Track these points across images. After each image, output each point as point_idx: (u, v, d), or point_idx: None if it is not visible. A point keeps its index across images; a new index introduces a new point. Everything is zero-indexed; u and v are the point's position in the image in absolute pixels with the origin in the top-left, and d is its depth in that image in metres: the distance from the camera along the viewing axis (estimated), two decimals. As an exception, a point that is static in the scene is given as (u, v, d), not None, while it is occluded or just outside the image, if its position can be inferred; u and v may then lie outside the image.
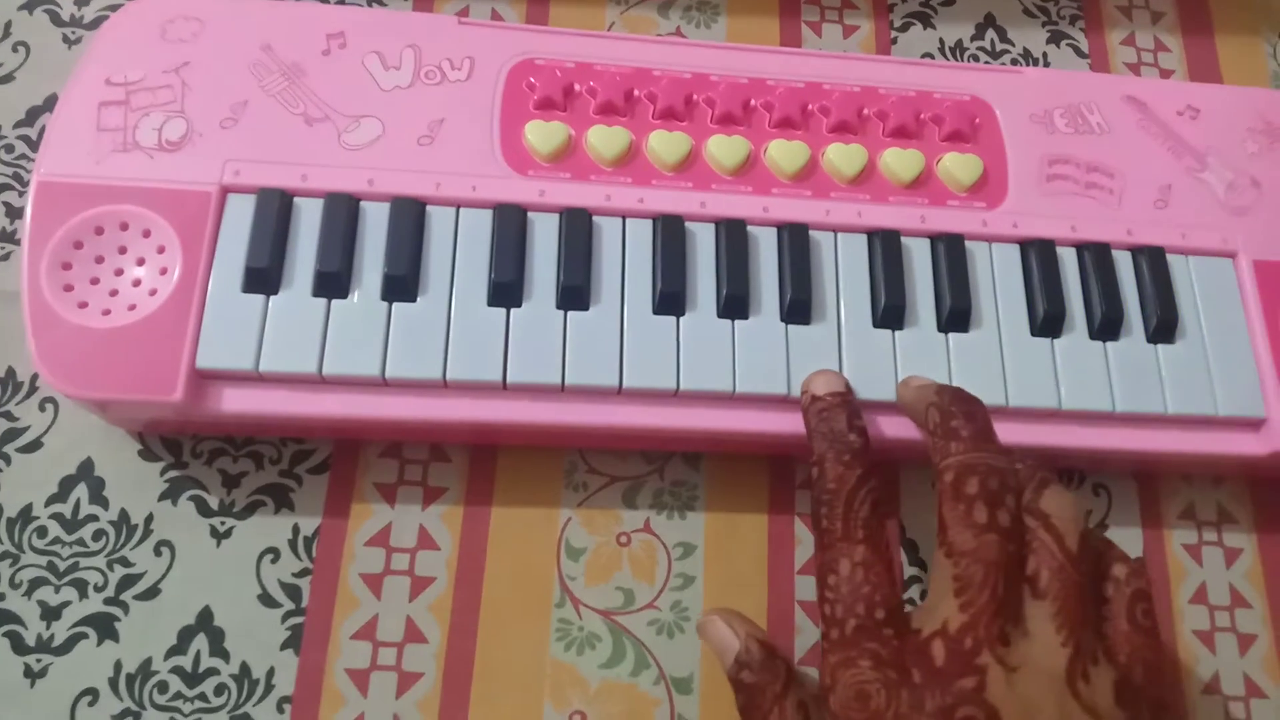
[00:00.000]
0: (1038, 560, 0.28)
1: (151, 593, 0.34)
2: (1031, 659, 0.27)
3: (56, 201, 0.33)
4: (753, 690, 0.29)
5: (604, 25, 0.44)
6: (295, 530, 0.35)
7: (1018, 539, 0.28)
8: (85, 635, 0.33)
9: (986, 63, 0.46)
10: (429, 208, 0.35)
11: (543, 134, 0.36)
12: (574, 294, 0.34)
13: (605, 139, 0.36)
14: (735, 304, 0.35)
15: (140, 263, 0.33)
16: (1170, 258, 0.38)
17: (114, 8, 0.41)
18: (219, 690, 0.33)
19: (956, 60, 0.46)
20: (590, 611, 0.35)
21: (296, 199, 0.35)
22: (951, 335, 0.36)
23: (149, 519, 0.35)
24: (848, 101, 0.38)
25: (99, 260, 0.33)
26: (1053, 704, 0.26)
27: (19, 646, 0.33)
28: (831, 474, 0.30)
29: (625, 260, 0.35)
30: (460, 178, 0.35)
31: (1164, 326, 0.37)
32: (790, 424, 0.34)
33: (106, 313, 0.32)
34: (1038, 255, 0.37)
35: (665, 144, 0.37)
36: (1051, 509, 0.29)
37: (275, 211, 0.34)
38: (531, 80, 0.37)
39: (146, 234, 0.33)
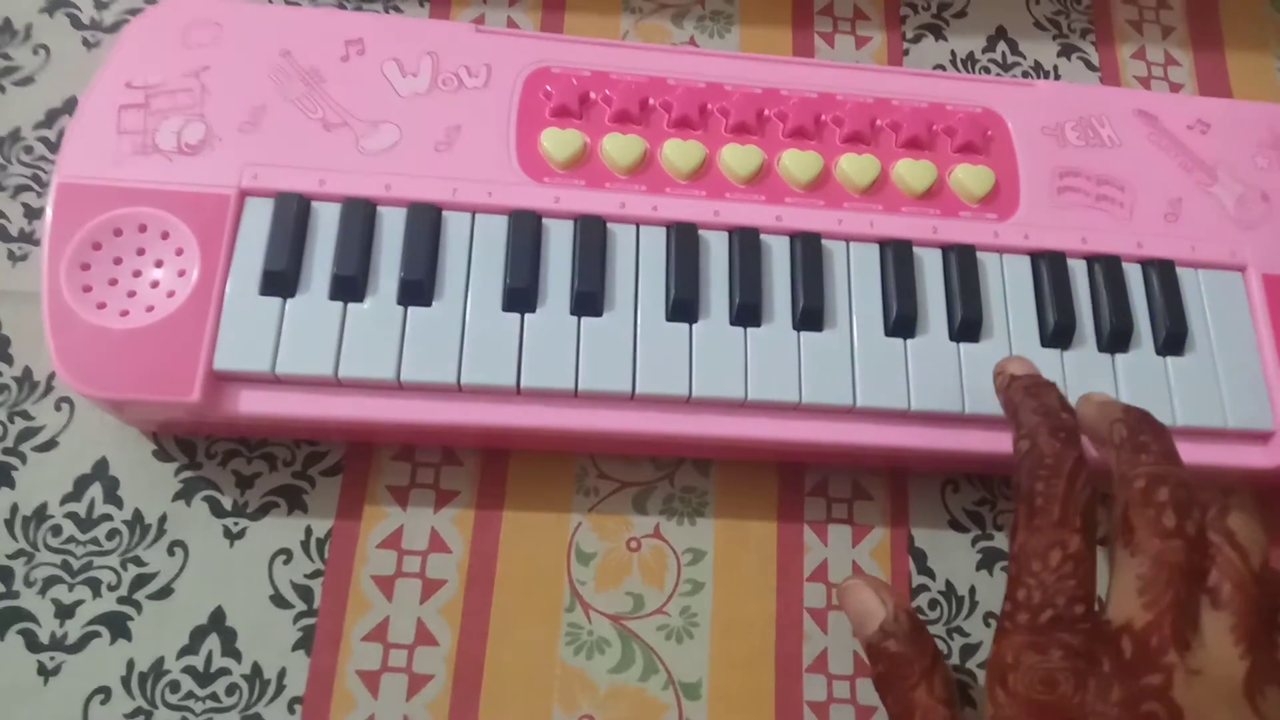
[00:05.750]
0: (1220, 573, 0.28)
1: (164, 592, 0.34)
2: (1210, 666, 0.27)
3: (76, 203, 0.34)
4: (898, 661, 0.30)
5: (619, 34, 0.44)
6: (308, 532, 0.35)
7: (1200, 550, 0.28)
8: (98, 634, 0.33)
9: (998, 75, 0.46)
10: (445, 213, 0.35)
11: (558, 141, 0.36)
12: (588, 300, 0.34)
13: (620, 147, 0.37)
14: (748, 312, 0.35)
15: (158, 264, 0.33)
16: (1180, 271, 0.38)
17: (134, 11, 0.41)
18: (230, 690, 0.33)
19: (968, 72, 0.46)
20: (600, 616, 0.35)
21: (314, 203, 0.35)
22: (962, 345, 0.36)
23: (163, 519, 0.35)
24: (860, 112, 0.39)
25: (117, 261, 0.33)
26: (1232, 712, 0.26)
27: (33, 644, 0.33)
28: (1048, 449, 0.29)
29: (639, 267, 0.35)
30: (476, 184, 0.36)
31: (1173, 339, 0.37)
32: (800, 432, 0.35)
33: (124, 314, 0.33)
34: (1048, 267, 0.37)
35: (679, 152, 0.37)
36: (1237, 528, 0.29)
37: (293, 215, 0.34)
38: (547, 88, 0.38)
39: (165, 236, 0.34)
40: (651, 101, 0.38)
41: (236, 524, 0.35)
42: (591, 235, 0.35)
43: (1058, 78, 0.46)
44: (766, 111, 0.39)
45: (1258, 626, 0.27)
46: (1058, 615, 0.27)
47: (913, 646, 0.30)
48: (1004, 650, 0.28)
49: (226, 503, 0.35)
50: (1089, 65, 0.47)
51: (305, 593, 0.35)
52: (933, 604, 0.37)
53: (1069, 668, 0.27)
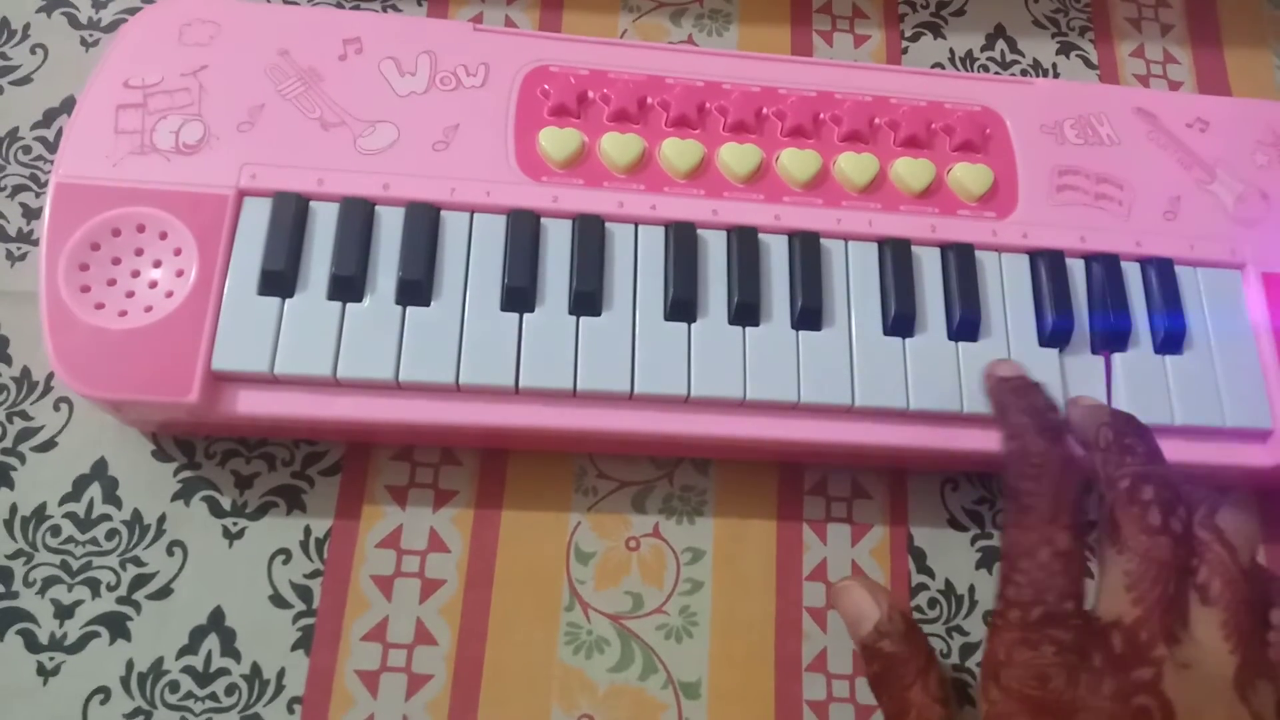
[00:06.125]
0: (1210, 570, 0.28)
1: (164, 592, 0.34)
2: (1200, 661, 0.27)
3: (74, 203, 0.34)
4: (893, 660, 0.30)
5: (617, 32, 0.44)
6: (307, 532, 0.35)
7: (1187, 546, 0.29)
8: (98, 634, 0.33)
9: (996, 73, 0.46)
10: (443, 213, 0.35)
11: (557, 140, 0.36)
12: (586, 300, 0.34)
13: (618, 146, 0.37)
14: (746, 311, 0.35)
15: (157, 265, 0.33)
16: (1179, 269, 0.38)
17: (132, 11, 0.41)
18: (230, 690, 0.33)
19: (967, 70, 0.46)
20: (599, 615, 0.35)
21: (312, 203, 0.35)
22: (961, 344, 0.36)
23: (162, 519, 0.35)
24: (859, 111, 0.39)
25: (116, 262, 0.33)
26: (1222, 706, 0.27)
27: (32, 645, 0.33)
28: (1035, 448, 0.30)
29: (637, 267, 0.35)
30: (475, 183, 0.36)
31: (1172, 338, 0.37)
32: (799, 431, 0.35)
33: (123, 314, 0.33)
34: (1047, 266, 0.37)
35: (678, 151, 0.37)
36: (1227, 525, 0.29)
37: (291, 215, 0.34)
38: (545, 87, 0.38)
39: (163, 236, 0.34)
40: (650, 100, 0.38)
41: (235, 524, 0.35)
42: (590, 234, 0.35)
43: (1056, 76, 0.46)
44: (765, 110, 0.38)
45: (1248, 622, 0.28)
46: (1049, 612, 0.28)
47: (907, 646, 0.30)
48: (996, 647, 0.28)
49: (225, 503, 0.35)
50: (1088, 63, 0.47)
51: (304, 592, 0.35)
52: (932, 603, 0.37)
53: (1061, 663, 0.27)
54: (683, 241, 0.36)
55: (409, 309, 0.34)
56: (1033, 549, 0.28)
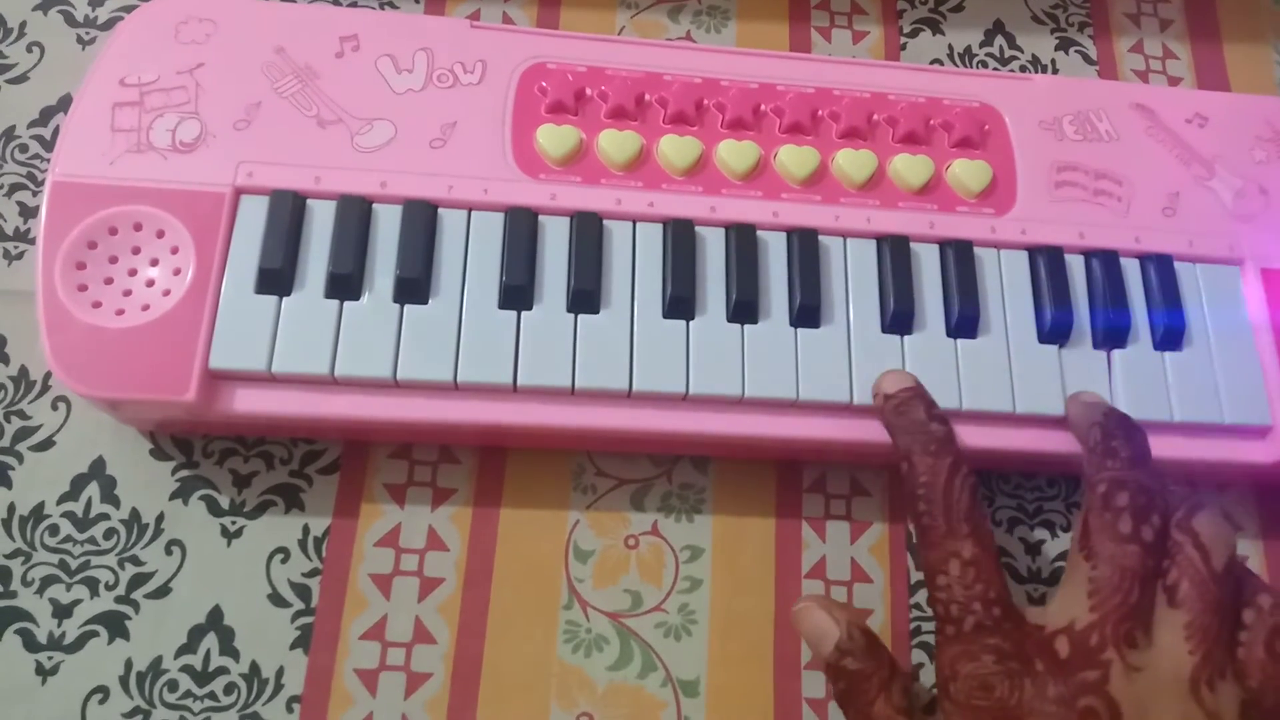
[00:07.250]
0: (1179, 572, 0.29)
1: (162, 591, 0.34)
2: (1155, 664, 0.27)
3: (71, 202, 0.33)
4: (856, 677, 0.30)
5: (614, 29, 0.44)
6: (305, 530, 0.35)
7: (1158, 554, 0.29)
8: (96, 633, 0.33)
9: (995, 69, 0.46)
10: (441, 210, 0.35)
11: (554, 138, 0.36)
12: (584, 297, 0.34)
13: (616, 143, 0.37)
14: (745, 309, 0.35)
15: (154, 263, 0.33)
16: (1178, 265, 0.38)
17: (128, 9, 0.41)
18: (229, 689, 0.33)
19: (965, 66, 0.46)
20: (598, 613, 0.35)
21: (309, 201, 0.35)
22: (960, 341, 0.36)
23: (160, 518, 0.35)
24: (857, 107, 0.39)
25: (113, 260, 0.33)
26: (1174, 705, 0.27)
27: (31, 644, 0.33)
28: (922, 466, 0.31)
29: (635, 264, 0.35)
30: (472, 181, 0.36)
31: (1171, 334, 0.37)
32: (798, 428, 0.34)
33: (120, 313, 0.33)
34: (1046, 262, 0.37)
35: (676, 148, 0.37)
36: (1202, 528, 0.29)
37: (288, 213, 0.34)
38: (543, 84, 0.38)
39: (160, 234, 0.34)
40: (647, 97, 0.38)
41: (234, 523, 0.35)
42: (588, 232, 0.35)
43: (1055, 72, 0.46)
44: (763, 107, 0.38)
45: (1214, 624, 0.28)
46: (979, 622, 0.28)
47: (869, 661, 0.30)
48: (942, 663, 0.29)
49: (224, 501, 0.35)
50: (1087, 59, 0.47)
51: (303, 591, 0.35)
52: (931, 600, 0.37)
53: (1002, 671, 0.28)
54: (681, 239, 0.36)
55: (407, 307, 0.34)
56: (943, 565, 0.29)
